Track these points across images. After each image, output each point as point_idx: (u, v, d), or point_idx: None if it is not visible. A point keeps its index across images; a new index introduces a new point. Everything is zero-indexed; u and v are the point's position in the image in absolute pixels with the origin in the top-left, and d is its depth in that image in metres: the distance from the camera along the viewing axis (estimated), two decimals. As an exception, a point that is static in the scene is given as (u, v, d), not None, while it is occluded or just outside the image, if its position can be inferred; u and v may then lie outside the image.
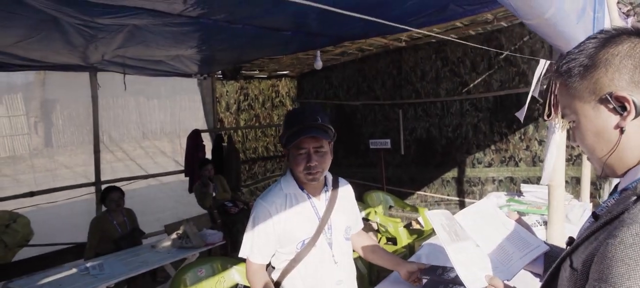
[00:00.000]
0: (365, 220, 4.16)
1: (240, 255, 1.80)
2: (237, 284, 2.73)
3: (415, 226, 4.51)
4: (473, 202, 4.94)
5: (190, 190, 5.92)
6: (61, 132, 10.01)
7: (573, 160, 4.50)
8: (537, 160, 4.94)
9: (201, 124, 6.93)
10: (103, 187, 5.10)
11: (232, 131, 7.03)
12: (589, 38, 0.86)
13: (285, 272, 1.77)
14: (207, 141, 6.64)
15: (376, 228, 4.21)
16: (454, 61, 5.60)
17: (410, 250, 3.95)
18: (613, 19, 2.65)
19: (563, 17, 1.52)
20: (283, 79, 7.90)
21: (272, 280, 1.80)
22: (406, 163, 6.32)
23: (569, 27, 1.69)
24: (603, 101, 0.81)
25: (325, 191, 1.84)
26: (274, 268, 1.83)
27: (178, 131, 9.22)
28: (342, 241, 1.83)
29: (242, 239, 1.80)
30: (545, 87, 2.16)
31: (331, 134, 1.73)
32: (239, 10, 3.27)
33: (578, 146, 0.92)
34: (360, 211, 2.19)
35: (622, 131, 0.80)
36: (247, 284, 2.63)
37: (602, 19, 2.30)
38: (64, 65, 4.70)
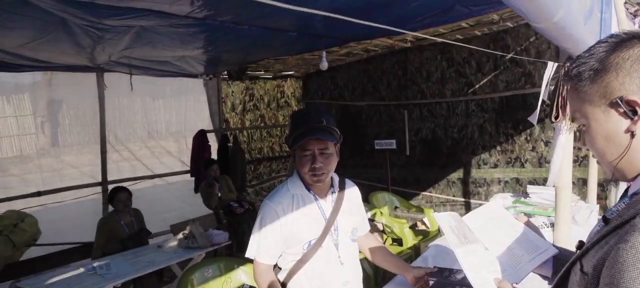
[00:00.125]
0: (371, 220, 4.16)
1: (247, 255, 1.80)
2: (243, 284, 2.74)
3: (421, 227, 4.51)
4: (479, 203, 4.92)
5: (196, 190, 5.94)
6: (67, 131, 10.07)
7: (579, 161, 4.48)
8: (543, 161, 4.92)
9: (207, 124, 6.95)
10: (109, 186, 5.13)
11: (237, 131, 7.05)
12: (599, 42, 0.86)
13: (291, 273, 1.78)
14: (213, 141, 6.66)
15: (382, 229, 4.21)
16: (460, 62, 5.59)
17: (416, 251, 3.94)
18: (620, 19, 2.64)
19: (571, 19, 1.52)
20: (288, 79, 7.91)
21: (279, 281, 1.81)
22: (411, 164, 6.31)
23: (577, 29, 1.69)
24: (614, 105, 0.81)
25: (332, 192, 1.85)
26: (280, 268, 1.84)
27: (183, 131, 9.25)
28: (348, 242, 1.84)
29: (247, 239, 1.80)
30: (552, 88, 2.16)
31: (337, 135, 1.74)
32: (245, 12, 3.28)
33: (586, 149, 0.92)
34: (366, 212, 2.19)
35: (632, 135, 0.80)
36: (254, 284, 2.65)
37: (609, 19, 2.29)
38: (71, 66, 4.73)
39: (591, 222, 3.05)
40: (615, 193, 3.94)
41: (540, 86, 2.24)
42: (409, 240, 4.09)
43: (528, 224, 1.25)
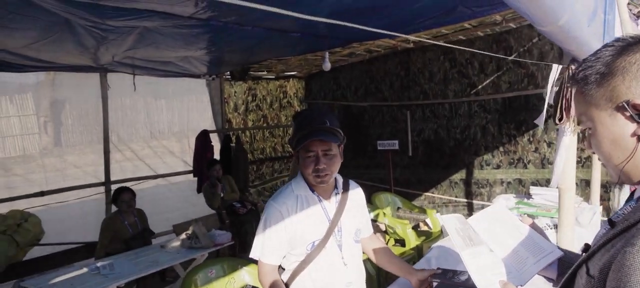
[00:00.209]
0: (373, 221, 4.16)
1: (252, 256, 1.81)
2: (246, 285, 2.74)
3: (423, 228, 4.51)
4: (481, 204, 4.91)
5: (199, 191, 5.96)
6: (70, 131, 10.08)
7: (582, 162, 4.47)
8: (546, 162, 4.91)
9: (209, 124, 6.96)
10: (113, 186, 5.14)
11: (240, 132, 7.06)
12: (605, 45, 0.86)
13: (295, 274, 1.78)
14: (216, 141, 6.67)
15: (384, 229, 4.21)
16: (462, 62, 5.59)
17: (419, 252, 3.94)
18: (623, 20, 2.63)
19: (575, 22, 1.52)
20: (291, 79, 7.91)
21: (282, 282, 1.81)
22: (414, 165, 6.31)
23: (581, 31, 1.69)
24: (620, 109, 0.81)
25: (336, 194, 1.85)
26: (283, 269, 1.84)
27: (186, 131, 9.26)
28: (351, 243, 1.84)
29: (250, 239, 1.81)
30: (557, 89, 2.16)
31: (340, 136, 1.74)
32: (249, 13, 3.29)
33: (592, 152, 0.92)
34: (369, 213, 2.20)
35: (639, 139, 0.81)
36: (257, 285, 2.65)
37: (612, 21, 2.29)
38: (74, 66, 4.75)
39: (594, 223, 3.05)
40: (619, 195, 3.94)
41: (543, 87, 2.25)
42: (412, 241, 4.09)
43: (533, 226, 1.25)
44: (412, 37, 3.85)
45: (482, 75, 5.41)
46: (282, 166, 7.86)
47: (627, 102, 0.80)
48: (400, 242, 4.17)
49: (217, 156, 6.35)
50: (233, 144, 6.60)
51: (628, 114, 0.80)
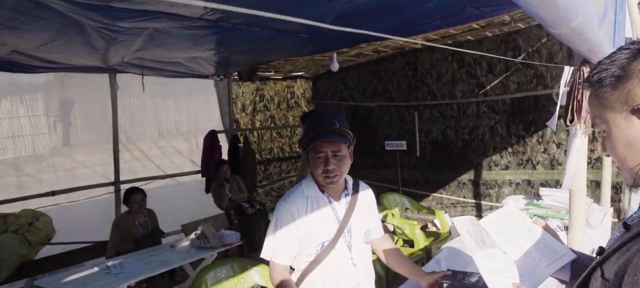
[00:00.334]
0: (382, 221, 4.16)
1: (263, 256, 1.82)
2: (255, 285, 2.76)
3: (432, 228, 4.50)
4: (489, 205, 4.89)
5: (207, 191, 5.99)
6: (79, 131, 10.19)
7: (593, 163, 4.43)
8: (555, 163, 4.88)
9: (216, 124, 6.99)
10: (122, 186, 5.18)
11: (248, 132, 7.08)
12: (621, 48, 0.86)
13: (304, 274, 1.79)
14: (223, 142, 6.70)
15: (393, 230, 4.21)
16: (471, 63, 5.57)
17: (427, 252, 3.94)
18: (634, 21, 2.62)
19: (587, 23, 1.52)
20: (298, 80, 7.92)
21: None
22: (422, 165, 6.30)
23: (592, 32, 1.68)
24: (635, 112, 0.81)
25: (346, 195, 1.86)
26: (293, 270, 1.85)
27: (194, 131, 9.32)
28: (361, 244, 1.85)
29: (258, 239, 1.83)
30: (568, 89, 2.15)
31: (350, 138, 1.75)
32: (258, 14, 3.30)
33: (607, 154, 0.92)
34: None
35: None
36: (266, 285, 2.67)
37: (622, 21, 2.28)
38: (84, 67, 4.79)
39: (605, 225, 3.03)
40: (629, 197, 3.91)
41: (552, 88, 2.24)
42: (420, 241, 4.08)
43: (546, 228, 1.25)
44: (420, 41, 3.85)
45: (490, 75, 5.39)
46: (289, 166, 7.88)
47: None
48: (409, 243, 4.17)
49: (225, 156, 6.38)
50: (241, 144, 6.62)
51: None
